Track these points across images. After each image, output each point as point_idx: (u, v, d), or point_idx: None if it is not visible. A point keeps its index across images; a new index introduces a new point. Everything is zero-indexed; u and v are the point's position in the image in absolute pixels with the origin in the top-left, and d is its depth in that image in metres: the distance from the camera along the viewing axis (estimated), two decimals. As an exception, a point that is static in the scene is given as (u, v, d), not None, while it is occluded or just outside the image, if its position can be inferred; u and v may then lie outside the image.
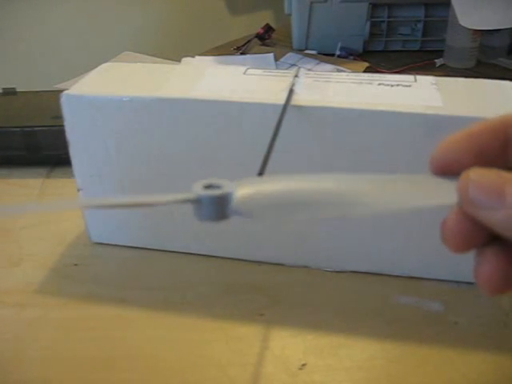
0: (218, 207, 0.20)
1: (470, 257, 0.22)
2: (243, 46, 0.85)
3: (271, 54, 0.79)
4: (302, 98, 0.34)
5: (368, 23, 0.81)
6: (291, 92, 0.34)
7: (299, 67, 0.39)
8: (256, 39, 0.86)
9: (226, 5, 1.29)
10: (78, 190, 0.39)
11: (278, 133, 0.30)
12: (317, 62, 0.77)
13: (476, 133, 0.22)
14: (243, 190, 0.21)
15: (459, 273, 0.37)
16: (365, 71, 0.75)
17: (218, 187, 0.20)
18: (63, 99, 0.36)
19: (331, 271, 0.39)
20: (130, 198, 0.22)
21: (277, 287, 0.38)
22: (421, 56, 0.81)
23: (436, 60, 0.79)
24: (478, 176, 0.20)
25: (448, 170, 0.21)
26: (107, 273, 0.39)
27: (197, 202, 0.20)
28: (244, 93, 0.35)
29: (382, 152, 0.34)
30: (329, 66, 0.75)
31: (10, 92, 0.59)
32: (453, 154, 0.21)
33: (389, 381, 0.31)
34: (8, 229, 0.44)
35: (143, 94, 0.35)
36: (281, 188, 0.21)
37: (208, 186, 0.21)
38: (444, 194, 0.21)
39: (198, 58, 0.79)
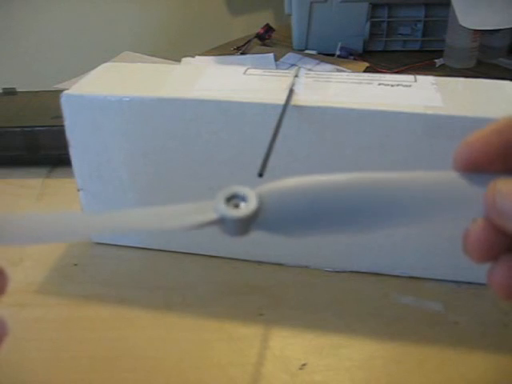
0: (242, 225, 0.19)
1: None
2: (243, 46, 0.85)
3: (271, 54, 0.79)
4: (302, 98, 0.34)
5: (368, 23, 0.81)
6: (291, 92, 0.34)
7: (299, 67, 0.39)
8: (256, 39, 0.86)
9: (226, 5, 1.29)
10: (78, 190, 0.39)
11: (277, 133, 0.30)
12: (317, 61, 0.77)
13: (501, 127, 0.21)
14: (269, 201, 0.19)
15: (459, 273, 0.37)
16: (365, 71, 0.75)
17: (241, 199, 0.19)
18: (63, 99, 0.36)
19: (331, 271, 0.39)
20: (145, 221, 0.21)
21: (277, 287, 0.38)
22: (421, 56, 0.81)
23: (436, 60, 0.79)
24: (504, 186, 0.19)
25: (474, 166, 0.21)
26: (107, 273, 0.39)
27: (221, 221, 0.19)
28: (244, 93, 0.35)
29: (382, 152, 0.34)
30: (329, 66, 0.75)
31: (10, 92, 0.59)
32: (479, 150, 0.21)
33: (389, 381, 0.31)
34: (8, 229, 0.44)
35: (143, 94, 0.35)
36: (312, 196, 0.19)
37: (230, 198, 0.19)
38: (470, 205, 0.20)
39: (197, 57, 0.79)
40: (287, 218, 0.19)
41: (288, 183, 0.20)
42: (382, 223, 0.20)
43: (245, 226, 0.19)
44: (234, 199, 0.19)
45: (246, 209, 0.19)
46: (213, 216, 0.19)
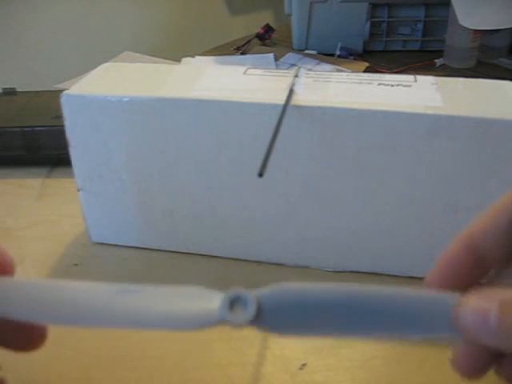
0: (243, 326, 0.21)
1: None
2: (243, 46, 0.85)
3: (271, 54, 0.79)
4: (301, 98, 0.34)
5: (368, 23, 0.81)
6: (291, 92, 0.34)
7: (299, 67, 0.39)
8: (256, 39, 0.86)
9: (226, 5, 1.29)
10: (78, 190, 0.39)
11: (277, 133, 0.30)
12: (317, 61, 0.77)
13: (456, 252, 0.22)
14: (268, 306, 0.21)
15: (459, 273, 0.37)
16: (365, 71, 0.75)
17: (243, 302, 0.21)
18: (63, 99, 0.36)
19: (331, 271, 0.39)
20: (154, 319, 0.23)
21: (277, 287, 0.38)
22: (421, 56, 0.81)
23: (436, 60, 0.79)
24: (464, 303, 0.19)
25: (448, 285, 0.22)
26: (107, 273, 0.39)
27: (224, 323, 0.21)
28: (244, 93, 0.35)
29: (382, 152, 0.34)
30: (329, 66, 0.75)
31: (10, 92, 0.59)
32: (449, 275, 0.22)
33: (389, 381, 0.31)
34: (8, 229, 0.44)
35: (143, 94, 0.35)
36: (306, 303, 0.21)
37: (233, 301, 0.22)
38: (445, 326, 0.20)
39: (197, 57, 0.79)
40: (283, 322, 0.21)
41: (284, 289, 0.22)
42: (367, 332, 0.21)
43: (245, 325, 0.21)
44: (237, 302, 0.22)
45: (246, 315, 0.21)
46: (217, 319, 0.21)
